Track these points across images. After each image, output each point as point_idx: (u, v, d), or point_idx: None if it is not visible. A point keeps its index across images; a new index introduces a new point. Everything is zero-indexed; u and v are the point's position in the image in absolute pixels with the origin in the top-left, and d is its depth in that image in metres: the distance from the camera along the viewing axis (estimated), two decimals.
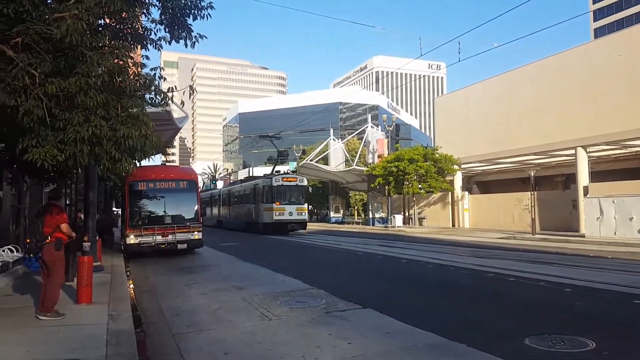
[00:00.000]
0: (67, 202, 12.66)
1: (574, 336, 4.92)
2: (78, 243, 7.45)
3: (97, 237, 11.43)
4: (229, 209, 32.41)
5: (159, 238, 13.75)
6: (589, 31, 79.34)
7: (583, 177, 22.44)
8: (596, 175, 24.52)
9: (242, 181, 32.69)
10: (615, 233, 18.16)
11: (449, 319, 6.05)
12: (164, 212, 14.45)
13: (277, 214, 24.07)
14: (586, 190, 21.76)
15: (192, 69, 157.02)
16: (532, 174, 23.16)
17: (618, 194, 18.71)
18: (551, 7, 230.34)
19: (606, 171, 26.36)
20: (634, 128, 20.33)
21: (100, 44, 5.14)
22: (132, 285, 9.14)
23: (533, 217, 22.76)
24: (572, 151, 22.97)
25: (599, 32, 72.19)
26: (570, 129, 25.53)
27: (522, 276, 9.23)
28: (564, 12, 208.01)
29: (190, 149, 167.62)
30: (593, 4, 77.94)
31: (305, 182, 26.77)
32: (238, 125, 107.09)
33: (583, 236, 19.50)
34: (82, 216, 11.58)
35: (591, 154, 23.71)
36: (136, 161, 7.32)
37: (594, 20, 78.01)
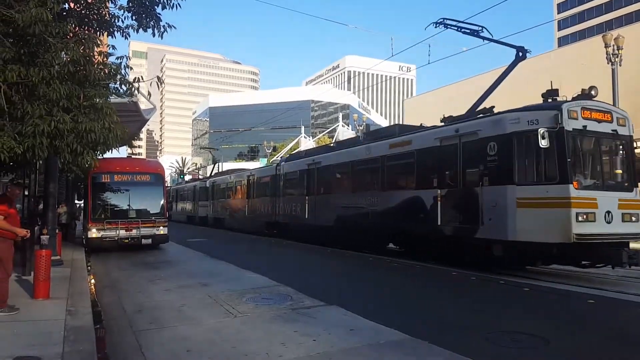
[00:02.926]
0: (26, 193, 12.08)
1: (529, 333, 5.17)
2: (35, 236, 7.14)
3: (57, 230, 10.97)
4: (310, 200, 16.28)
5: (122, 232, 13.40)
6: (553, 39, 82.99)
7: None
8: None
9: (377, 138, 14.54)
10: None
11: (413, 316, 6.24)
12: (128, 205, 14.10)
13: (581, 216, 8.13)
14: None
15: (162, 60, 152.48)
16: None
17: None
18: (520, 13, 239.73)
19: None
20: None
21: (65, 32, 4.92)
22: (92, 281, 8.84)
23: None
24: None
25: (562, 41, 75.62)
26: None
27: (480, 276, 9.58)
28: (532, 19, 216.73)
29: (157, 142, 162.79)
30: (558, 13, 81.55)
31: (631, 129, 9.56)
32: (208, 120, 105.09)
33: None
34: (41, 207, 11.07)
35: None
36: (99, 154, 7.09)
37: (558, 30, 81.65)
